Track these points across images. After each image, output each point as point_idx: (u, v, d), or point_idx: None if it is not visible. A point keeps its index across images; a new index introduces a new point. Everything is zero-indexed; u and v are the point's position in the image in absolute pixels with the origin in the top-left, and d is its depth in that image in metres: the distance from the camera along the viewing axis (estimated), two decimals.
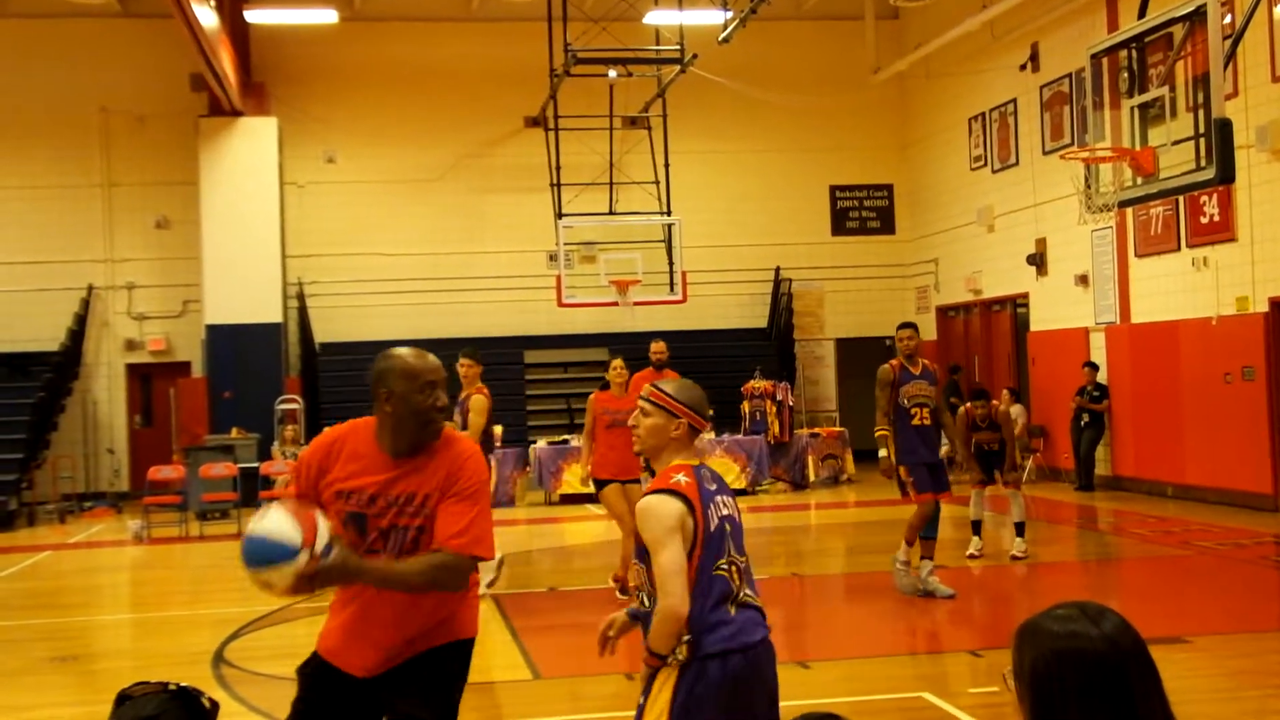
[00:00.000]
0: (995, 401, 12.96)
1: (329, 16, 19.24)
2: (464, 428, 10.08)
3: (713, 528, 3.94)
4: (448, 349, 23.33)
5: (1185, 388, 16.01)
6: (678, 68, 18.51)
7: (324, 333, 22.45)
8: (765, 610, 4.00)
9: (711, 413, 17.26)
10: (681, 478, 3.96)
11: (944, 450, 10.86)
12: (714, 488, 4.03)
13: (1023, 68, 19.57)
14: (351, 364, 21.67)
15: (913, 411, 10.04)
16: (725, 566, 3.93)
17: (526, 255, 22.58)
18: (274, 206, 21.53)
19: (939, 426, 10.35)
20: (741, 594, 3.96)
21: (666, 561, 3.83)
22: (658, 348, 12.20)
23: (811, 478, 19.78)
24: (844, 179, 24.25)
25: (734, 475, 18.61)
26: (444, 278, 22.71)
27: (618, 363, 10.72)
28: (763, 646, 3.96)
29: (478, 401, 10.19)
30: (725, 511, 4.01)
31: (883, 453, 10.12)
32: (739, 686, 3.87)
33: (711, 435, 19.13)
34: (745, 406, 19.85)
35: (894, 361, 10.34)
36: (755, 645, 3.93)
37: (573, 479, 14.26)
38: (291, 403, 20.61)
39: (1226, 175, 9.34)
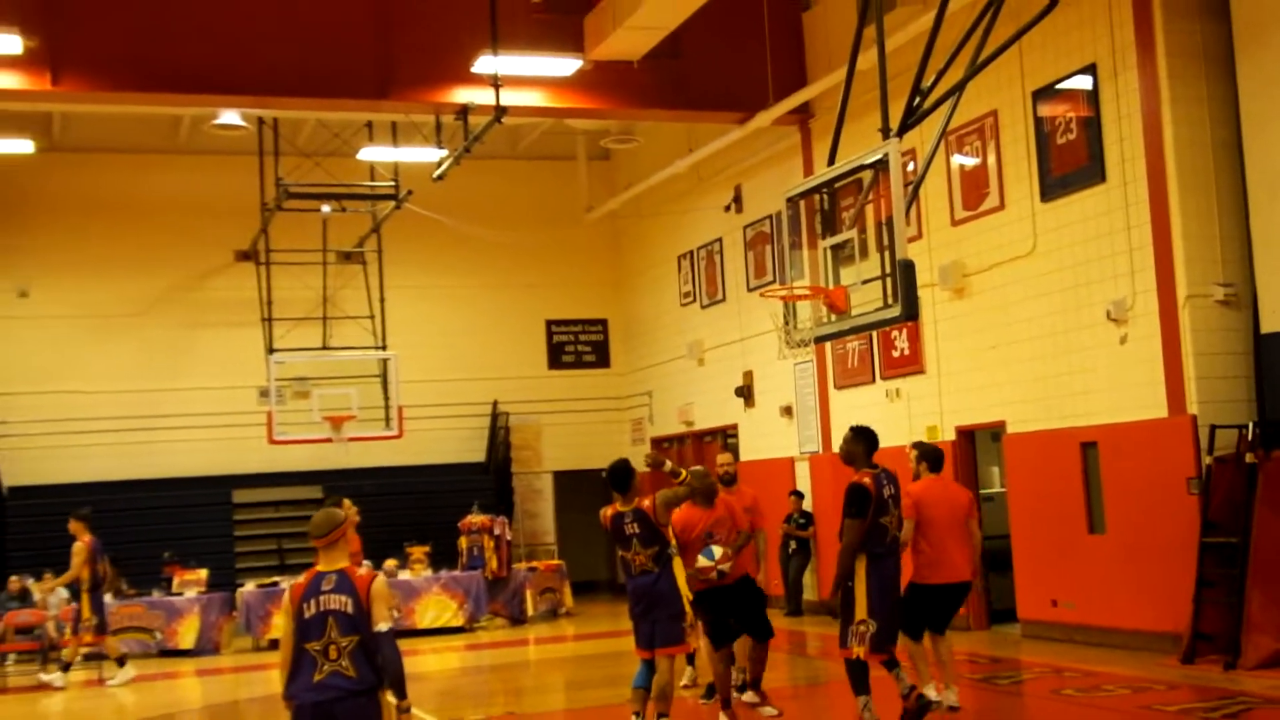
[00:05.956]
0: None
1: (24, 147, 18.46)
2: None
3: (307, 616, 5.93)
4: (151, 490, 22.40)
5: None
6: (392, 204, 18.58)
7: (13, 475, 21.11)
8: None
9: (428, 548, 16.82)
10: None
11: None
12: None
13: (727, 208, 20.44)
14: (44, 509, 20.35)
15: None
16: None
17: (237, 391, 21.91)
18: None
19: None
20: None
21: None
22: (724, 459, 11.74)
23: (530, 612, 19.60)
24: (560, 313, 24.63)
25: (451, 612, 18.33)
26: (149, 415, 21.75)
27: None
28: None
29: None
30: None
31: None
32: None
33: (428, 572, 18.85)
34: (463, 542, 19.55)
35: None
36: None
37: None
38: None
39: (911, 313, 9.89)
